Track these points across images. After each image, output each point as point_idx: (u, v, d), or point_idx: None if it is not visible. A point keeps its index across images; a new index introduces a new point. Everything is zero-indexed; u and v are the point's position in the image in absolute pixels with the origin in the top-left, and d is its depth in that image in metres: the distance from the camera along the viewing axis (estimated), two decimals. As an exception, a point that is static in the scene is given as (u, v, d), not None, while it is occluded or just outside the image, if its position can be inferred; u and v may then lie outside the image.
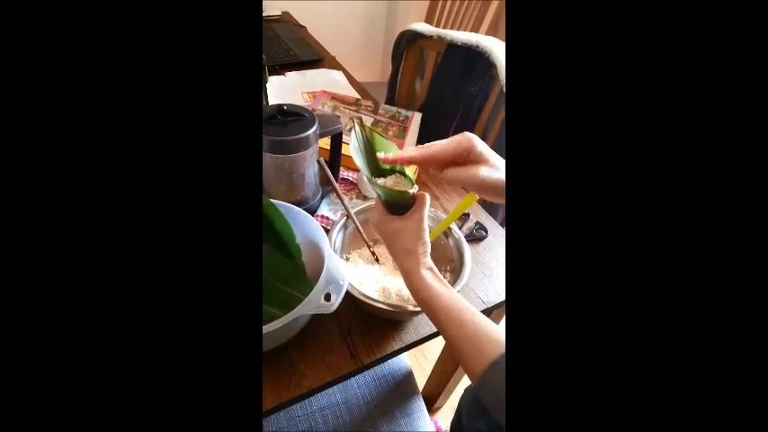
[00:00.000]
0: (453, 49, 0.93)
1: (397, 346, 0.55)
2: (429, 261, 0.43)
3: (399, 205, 0.45)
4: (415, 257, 0.43)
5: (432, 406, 1.05)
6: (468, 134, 0.41)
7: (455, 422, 0.88)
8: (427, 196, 0.45)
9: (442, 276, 0.43)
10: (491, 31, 1.34)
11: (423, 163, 0.42)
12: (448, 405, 1.09)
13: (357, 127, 0.46)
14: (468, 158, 0.41)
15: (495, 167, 0.40)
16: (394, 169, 0.46)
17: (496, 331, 0.38)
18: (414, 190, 0.44)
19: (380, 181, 0.45)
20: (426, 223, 0.44)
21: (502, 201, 0.42)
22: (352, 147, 0.45)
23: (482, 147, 0.41)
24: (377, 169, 0.47)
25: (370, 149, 0.47)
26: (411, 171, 0.87)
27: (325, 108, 0.95)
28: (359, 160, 0.45)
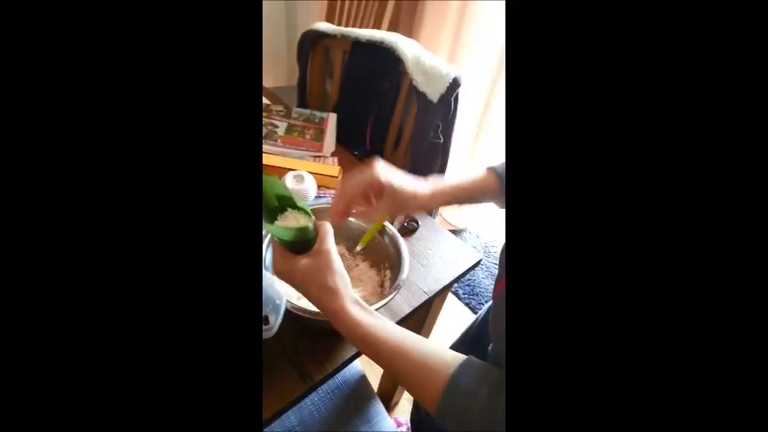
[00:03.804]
0: (359, 47, 0.93)
1: (347, 355, 0.53)
2: (352, 293, 0.39)
3: (303, 243, 0.40)
4: (336, 294, 0.37)
5: (389, 402, 1.05)
6: (374, 171, 0.46)
7: (414, 414, 0.88)
8: (328, 224, 0.41)
9: (368, 306, 0.39)
10: (391, 29, 1.36)
11: (348, 211, 0.47)
12: (405, 398, 1.10)
13: None
14: (373, 193, 0.47)
15: (384, 205, 0.47)
16: (285, 204, 0.42)
17: (439, 350, 0.36)
18: (312, 221, 0.41)
19: (277, 223, 0.41)
20: (336, 253, 0.40)
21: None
22: None
23: (385, 178, 0.45)
24: (268, 211, 0.42)
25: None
26: (335, 171, 0.84)
27: (233, 118, 0.89)
28: None
